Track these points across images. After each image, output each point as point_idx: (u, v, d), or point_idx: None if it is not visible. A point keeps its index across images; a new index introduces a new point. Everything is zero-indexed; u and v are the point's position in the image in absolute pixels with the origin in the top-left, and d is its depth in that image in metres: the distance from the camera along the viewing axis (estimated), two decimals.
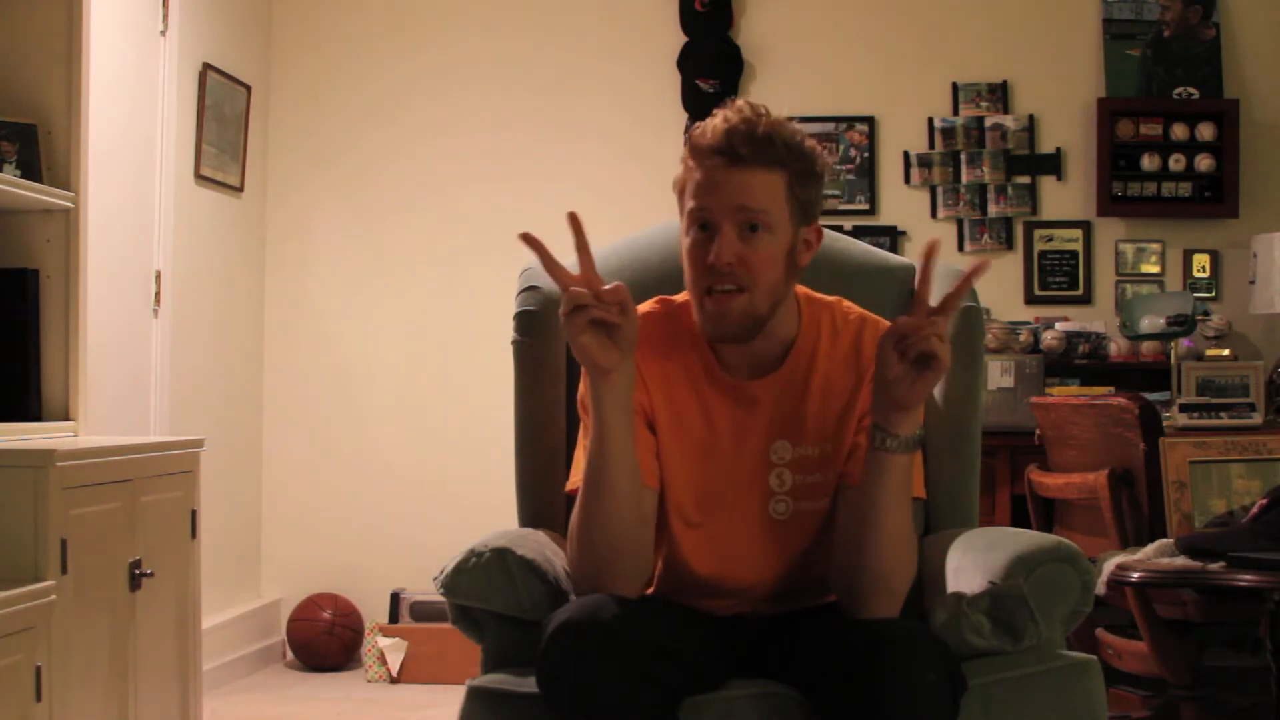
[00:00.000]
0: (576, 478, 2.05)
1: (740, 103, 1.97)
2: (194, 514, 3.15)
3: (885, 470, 1.87)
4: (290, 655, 4.95)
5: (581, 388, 2.02)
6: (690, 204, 1.97)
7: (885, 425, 1.85)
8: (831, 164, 2.12)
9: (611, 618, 1.80)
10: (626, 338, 1.85)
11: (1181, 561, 2.78)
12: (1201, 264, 4.98)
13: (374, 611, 4.90)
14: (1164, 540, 2.92)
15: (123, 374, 4.03)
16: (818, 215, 2.03)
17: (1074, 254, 5.03)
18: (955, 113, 5.02)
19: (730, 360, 2.05)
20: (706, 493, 2.05)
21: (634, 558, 1.95)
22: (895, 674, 1.76)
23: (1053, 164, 5.00)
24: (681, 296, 2.14)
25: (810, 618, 2.02)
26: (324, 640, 4.81)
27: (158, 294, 4.27)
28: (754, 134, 1.92)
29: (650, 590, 2.10)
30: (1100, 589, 2.77)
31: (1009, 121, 5.00)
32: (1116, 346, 4.86)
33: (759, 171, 1.92)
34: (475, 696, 1.96)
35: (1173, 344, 4.47)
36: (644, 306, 2.14)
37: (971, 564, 2.14)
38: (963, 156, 5.00)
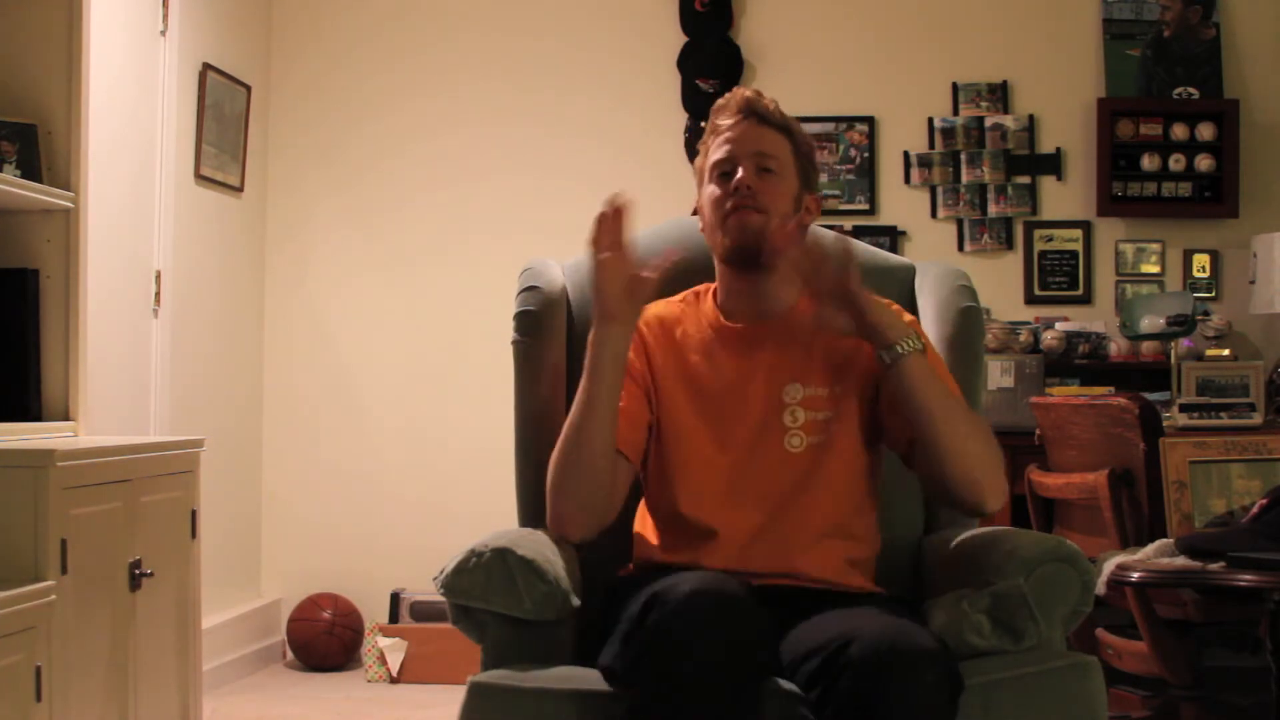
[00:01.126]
0: None
1: (749, 88, 2.34)
2: (194, 514, 3.14)
3: (906, 377, 2.09)
4: (290, 655, 4.95)
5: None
6: (714, 157, 2.26)
7: (882, 344, 2.10)
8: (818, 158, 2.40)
9: (734, 591, 1.88)
10: (638, 301, 2.16)
11: (1181, 561, 2.78)
12: (1201, 264, 4.98)
13: (374, 611, 4.90)
14: (1164, 540, 2.92)
15: (123, 374, 4.03)
16: (817, 191, 2.33)
17: (1074, 254, 5.03)
18: (955, 113, 5.02)
19: (735, 309, 2.27)
20: (723, 432, 2.20)
21: (596, 509, 2.18)
22: (894, 674, 1.76)
23: (1053, 164, 5.00)
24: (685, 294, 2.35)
25: (810, 616, 2.02)
26: (324, 640, 4.81)
27: (158, 294, 4.27)
28: (766, 104, 2.28)
29: (676, 557, 2.16)
30: (1100, 589, 2.77)
31: (1009, 121, 5.00)
32: (1116, 346, 4.86)
33: (770, 130, 2.26)
34: (477, 692, 1.97)
35: (1173, 344, 4.47)
36: (659, 306, 2.33)
37: (971, 564, 2.14)
38: (963, 156, 5.00)
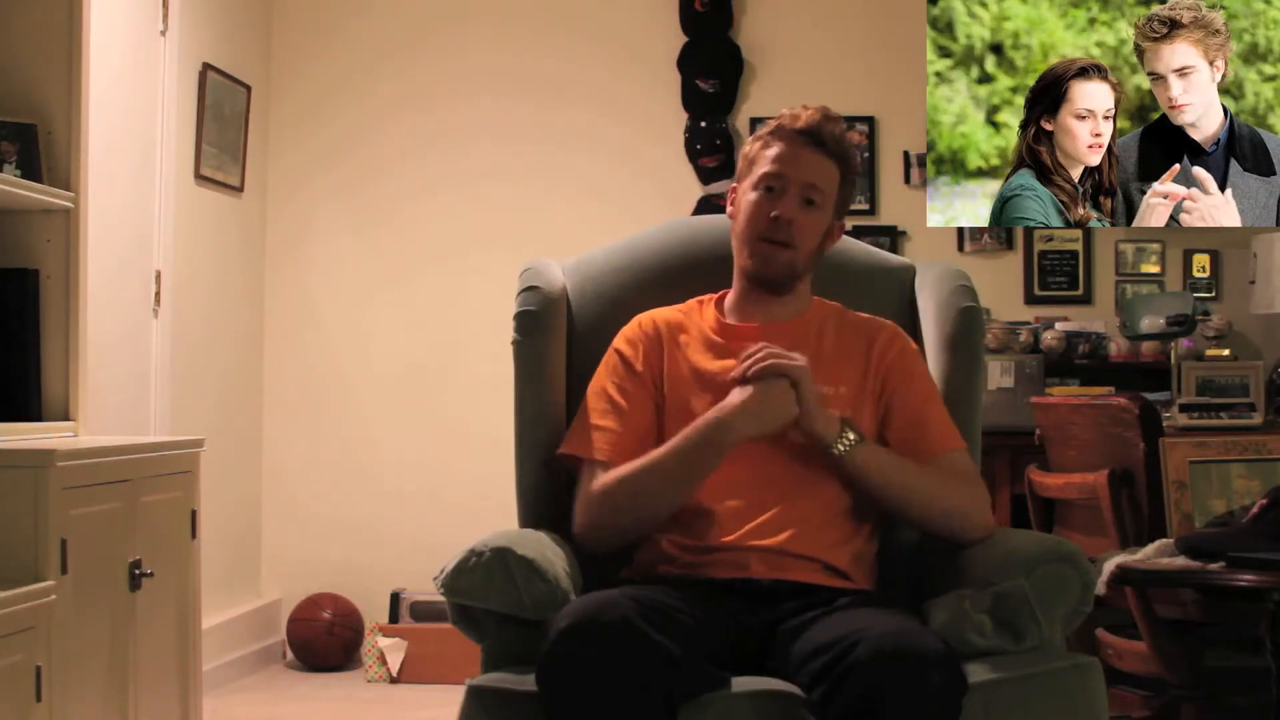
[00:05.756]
0: (576, 445, 2.26)
1: (821, 106, 2.32)
2: (194, 514, 3.14)
3: (857, 468, 2.17)
4: (290, 655, 4.95)
5: (601, 380, 2.29)
6: (767, 169, 2.27)
7: (826, 442, 2.15)
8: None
9: (616, 621, 1.83)
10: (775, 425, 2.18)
11: (1181, 561, 2.78)
12: (1201, 264, 4.98)
13: (374, 611, 4.90)
14: (1164, 540, 2.92)
15: (123, 374, 4.03)
16: (843, 217, 2.36)
17: (1074, 254, 5.03)
18: None
19: (743, 314, 2.31)
20: None
21: (627, 542, 2.24)
22: (901, 675, 1.77)
23: None
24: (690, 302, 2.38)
25: (812, 614, 2.02)
26: (324, 640, 4.81)
27: (158, 294, 4.27)
28: (835, 130, 2.29)
29: (679, 539, 2.19)
30: (1100, 589, 2.77)
31: None
32: (1116, 346, 4.86)
33: (828, 160, 2.27)
34: (475, 696, 1.96)
35: (1173, 344, 4.47)
36: (663, 311, 2.36)
37: (972, 564, 2.14)
38: None
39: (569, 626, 1.84)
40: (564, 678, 1.82)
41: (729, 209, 2.35)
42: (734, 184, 2.36)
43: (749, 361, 2.15)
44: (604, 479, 2.19)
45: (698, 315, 2.35)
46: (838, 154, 2.28)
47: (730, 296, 2.35)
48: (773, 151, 2.27)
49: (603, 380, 2.30)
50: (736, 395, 2.15)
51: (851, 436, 2.15)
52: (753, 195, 2.27)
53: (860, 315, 2.36)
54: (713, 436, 2.14)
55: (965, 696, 1.83)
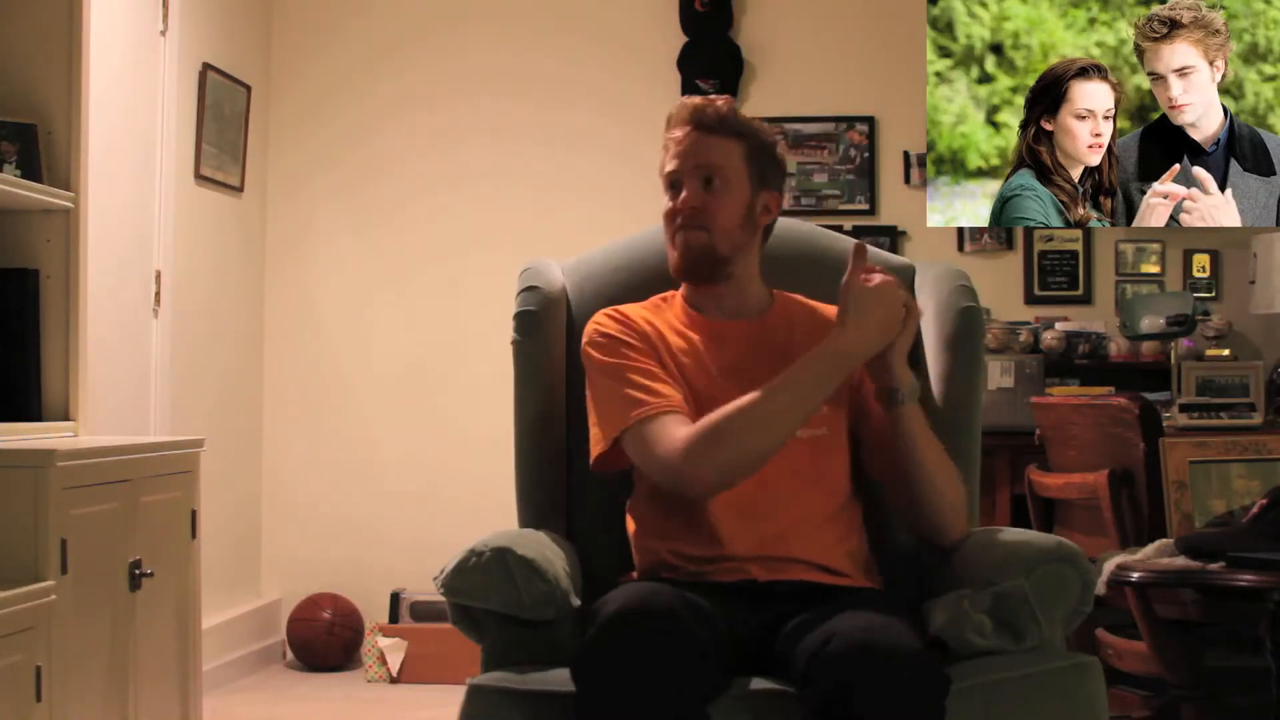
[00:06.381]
0: (618, 418, 2.15)
1: (707, 97, 2.34)
2: (194, 514, 3.15)
3: (904, 421, 2.14)
4: (290, 655, 4.95)
5: (608, 363, 2.20)
6: (666, 170, 2.29)
7: (889, 384, 2.13)
8: (782, 153, 2.37)
9: (664, 610, 1.84)
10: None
11: (1181, 561, 2.78)
12: (1201, 264, 4.98)
13: (374, 611, 4.90)
14: (1164, 540, 2.92)
15: (123, 374, 4.03)
16: (778, 188, 2.31)
17: (1074, 254, 5.03)
18: None
19: (708, 308, 2.29)
20: None
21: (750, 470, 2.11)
22: (869, 673, 1.77)
23: None
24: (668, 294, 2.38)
25: (810, 614, 2.02)
26: (324, 640, 4.82)
27: (158, 294, 4.27)
28: (713, 111, 2.27)
29: (665, 546, 2.18)
30: (1100, 589, 2.77)
31: None
32: (1116, 346, 4.86)
33: (718, 139, 2.26)
34: (476, 695, 1.97)
35: (1173, 344, 4.47)
36: (627, 306, 2.33)
37: (971, 563, 2.14)
38: None
39: (619, 610, 1.84)
40: (610, 661, 1.81)
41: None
42: None
43: (877, 275, 2.13)
44: (711, 416, 2.08)
45: (665, 310, 2.32)
46: (733, 131, 2.26)
47: (687, 297, 2.33)
48: (666, 155, 2.28)
49: (610, 361, 2.22)
50: (855, 322, 2.10)
51: (918, 386, 2.17)
52: (664, 200, 2.28)
53: (829, 308, 2.27)
54: (835, 363, 2.10)
55: (968, 697, 1.83)
